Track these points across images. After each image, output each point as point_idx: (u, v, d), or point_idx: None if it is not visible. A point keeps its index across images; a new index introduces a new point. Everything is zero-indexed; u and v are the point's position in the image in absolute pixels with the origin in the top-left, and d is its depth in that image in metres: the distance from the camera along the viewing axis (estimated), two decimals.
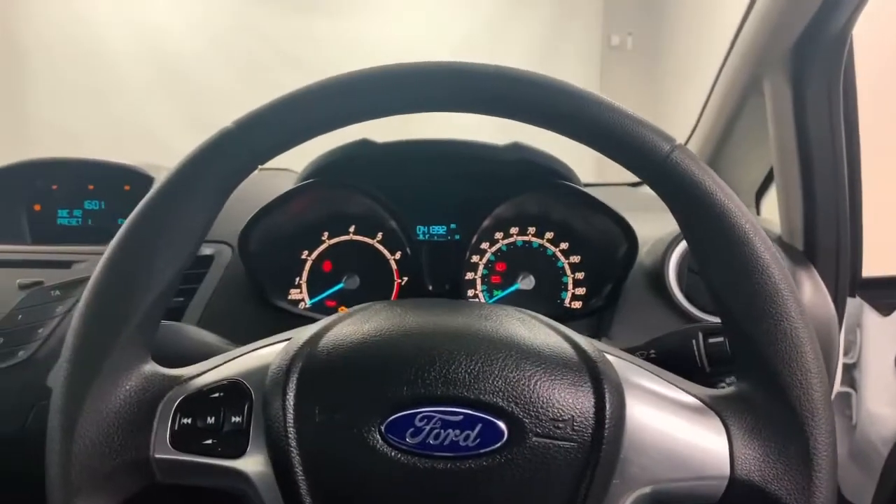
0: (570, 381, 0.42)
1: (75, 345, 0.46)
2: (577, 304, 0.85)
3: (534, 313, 0.49)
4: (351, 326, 0.48)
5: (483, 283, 0.86)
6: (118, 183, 0.96)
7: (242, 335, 0.60)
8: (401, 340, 0.44)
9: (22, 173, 0.93)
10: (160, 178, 0.49)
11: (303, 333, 0.48)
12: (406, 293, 0.85)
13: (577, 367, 0.42)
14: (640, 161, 0.45)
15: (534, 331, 0.46)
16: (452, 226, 0.86)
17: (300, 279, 0.85)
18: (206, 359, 0.57)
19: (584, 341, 0.45)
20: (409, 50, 4.16)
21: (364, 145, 0.83)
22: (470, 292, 0.85)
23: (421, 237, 0.86)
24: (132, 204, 0.94)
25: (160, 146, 3.86)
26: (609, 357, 0.44)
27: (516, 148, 0.82)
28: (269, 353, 0.48)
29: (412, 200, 0.85)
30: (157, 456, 0.45)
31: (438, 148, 0.84)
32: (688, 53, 4.05)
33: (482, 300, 0.85)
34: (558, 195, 0.83)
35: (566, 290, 0.85)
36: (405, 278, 0.86)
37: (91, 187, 0.96)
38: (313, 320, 0.79)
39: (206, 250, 0.83)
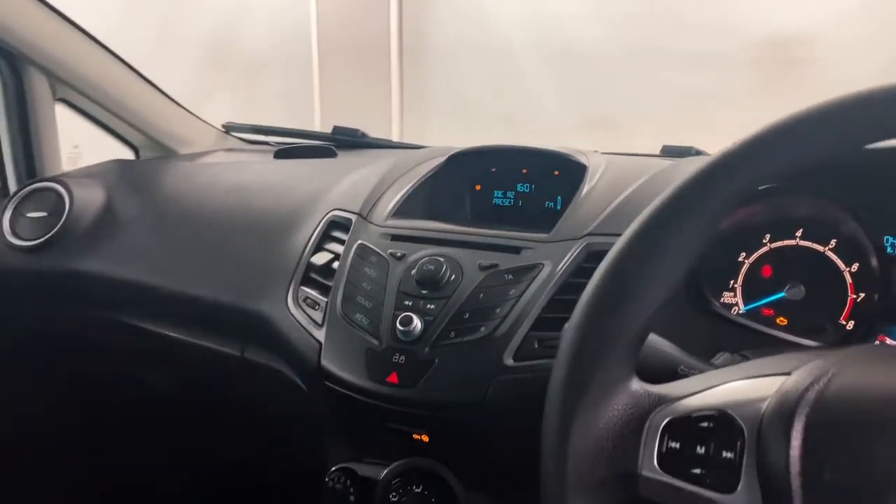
0: None
1: (571, 355, 0.49)
2: None
3: None
4: (862, 376, 0.43)
5: None
6: (549, 168, 1.02)
7: (673, 338, 0.59)
8: None
9: (471, 158, 1.04)
10: (659, 197, 0.49)
11: (802, 373, 0.44)
12: (862, 313, 0.74)
13: None
14: None
15: None
16: None
17: (735, 282, 0.80)
18: (672, 371, 0.57)
19: None
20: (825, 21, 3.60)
21: None
22: None
23: (889, 250, 0.73)
24: (559, 188, 1.01)
25: (551, 134, 4.04)
26: None
27: None
28: (760, 386, 0.45)
29: (881, 204, 0.73)
30: (644, 473, 0.46)
31: None
32: None
33: None
34: None
35: None
36: (861, 294, 0.75)
37: (524, 171, 1.04)
38: (747, 328, 0.76)
39: None
